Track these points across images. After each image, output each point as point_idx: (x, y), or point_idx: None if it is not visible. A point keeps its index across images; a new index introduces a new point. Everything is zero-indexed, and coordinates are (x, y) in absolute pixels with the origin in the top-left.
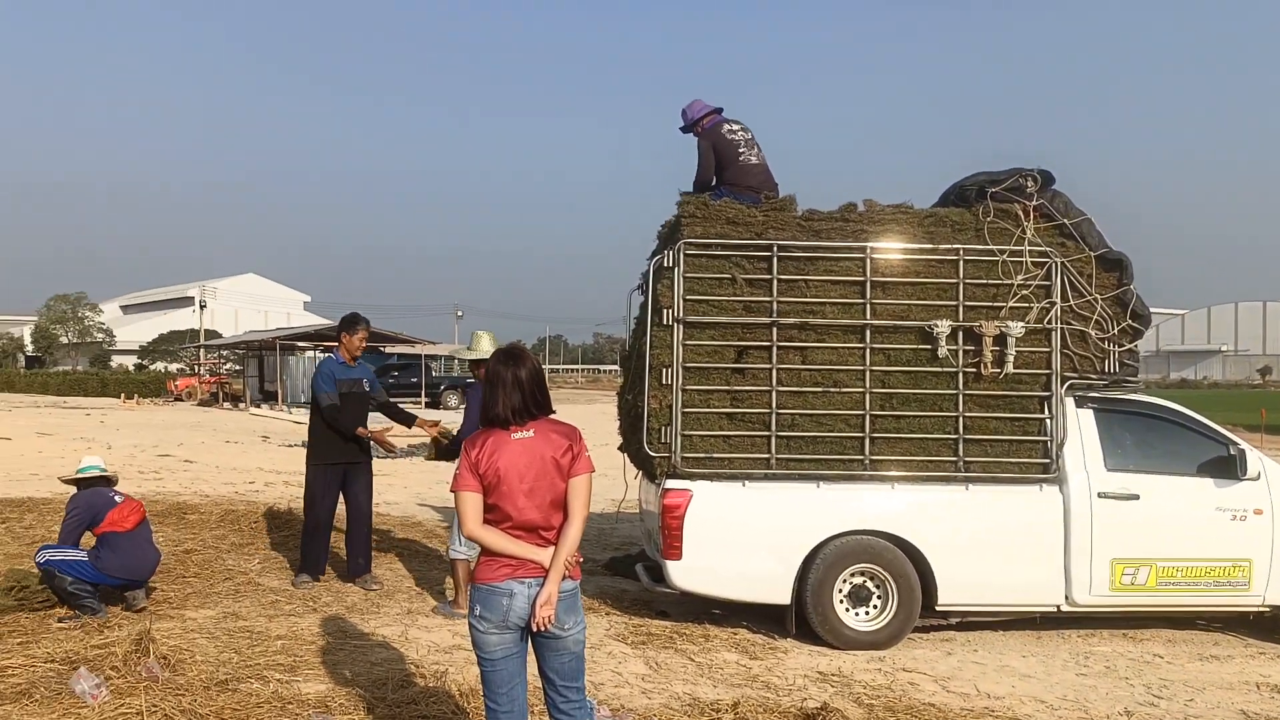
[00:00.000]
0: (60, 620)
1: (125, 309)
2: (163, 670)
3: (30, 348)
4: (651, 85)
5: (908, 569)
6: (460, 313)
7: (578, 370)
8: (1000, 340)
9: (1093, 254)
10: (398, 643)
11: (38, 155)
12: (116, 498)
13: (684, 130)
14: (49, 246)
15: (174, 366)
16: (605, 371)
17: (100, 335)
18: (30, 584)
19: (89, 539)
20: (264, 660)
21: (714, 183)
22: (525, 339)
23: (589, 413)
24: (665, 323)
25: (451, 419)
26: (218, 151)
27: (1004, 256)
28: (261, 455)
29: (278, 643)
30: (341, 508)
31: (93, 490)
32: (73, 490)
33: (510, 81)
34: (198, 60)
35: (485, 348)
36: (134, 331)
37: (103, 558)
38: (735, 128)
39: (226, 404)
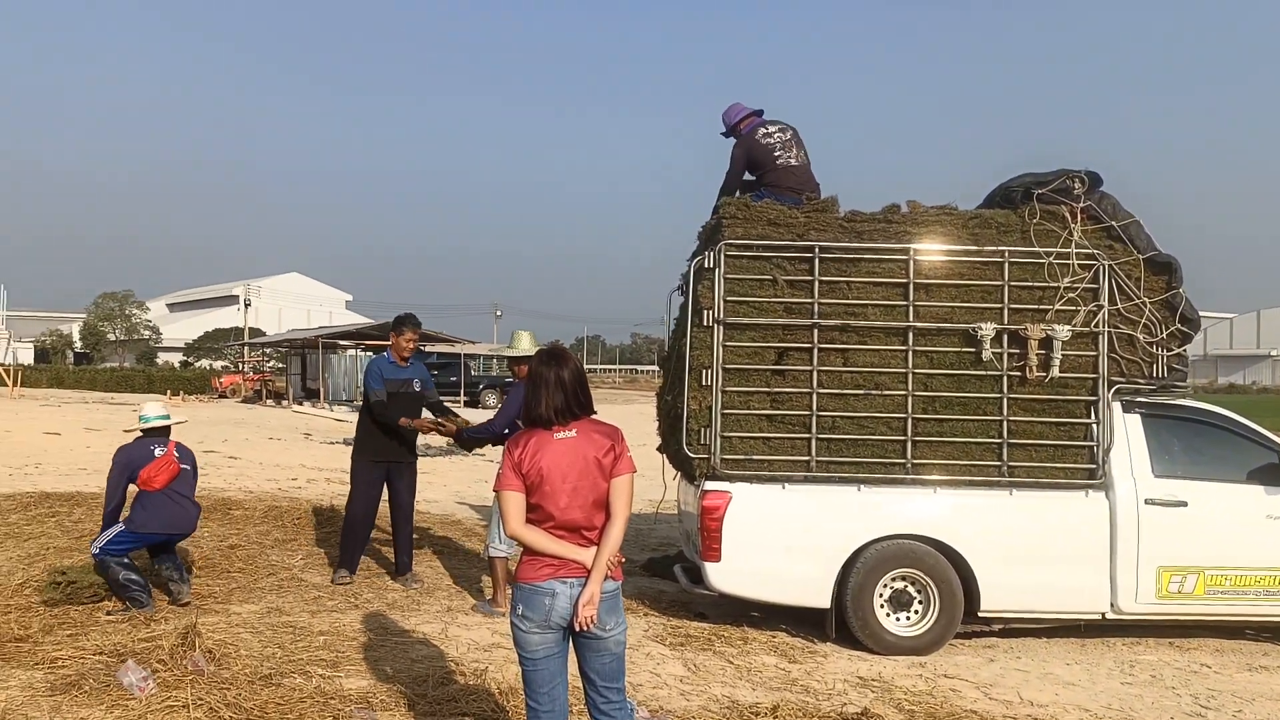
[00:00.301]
0: (109, 613)
1: (171, 307)
2: (208, 664)
3: (79, 344)
4: (688, 87)
5: (950, 574)
6: (499, 312)
7: (615, 370)
8: (1046, 344)
9: (1141, 256)
10: (438, 640)
11: (83, 156)
12: (157, 450)
13: (725, 135)
14: (97, 246)
15: (219, 364)
16: (643, 372)
17: (147, 332)
18: (79, 578)
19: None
20: (307, 655)
21: (753, 185)
22: (563, 339)
23: (627, 413)
24: (705, 324)
25: (490, 417)
26: (263, 153)
27: (1050, 259)
28: (304, 452)
29: (320, 638)
30: (384, 506)
31: (136, 442)
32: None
33: (553, 83)
34: (254, 62)
35: (525, 346)
36: (180, 329)
37: (136, 517)
38: (773, 130)
39: (270, 401)
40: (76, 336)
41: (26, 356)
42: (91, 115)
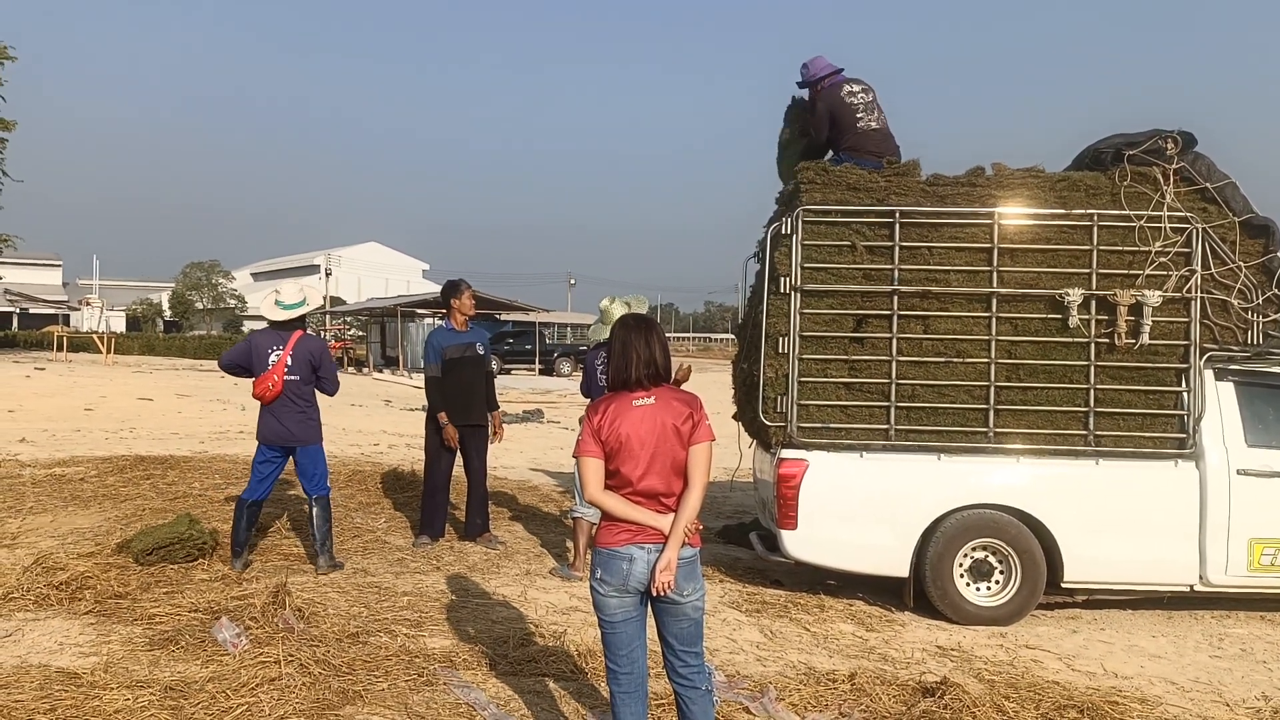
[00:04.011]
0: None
1: (256, 276)
2: (298, 622)
3: (168, 313)
4: (762, 54)
5: (1032, 544)
6: (573, 280)
7: (689, 339)
8: (1136, 310)
9: (1237, 219)
10: (517, 602)
11: (175, 131)
12: (271, 357)
13: (801, 86)
14: (185, 217)
15: None
16: (716, 340)
17: (233, 301)
18: (171, 540)
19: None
20: (391, 615)
21: (831, 149)
22: None
23: (701, 381)
24: (783, 291)
25: (564, 385)
26: (343, 125)
27: (1141, 222)
28: (385, 418)
29: (404, 599)
30: (459, 470)
31: (264, 332)
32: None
33: (625, 58)
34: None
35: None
36: (263, 298)
37: (259, 427)
38: (855, 89)
39: (350, 368)
40: (165, 305)
41: (118, 324)
42: (182, 91)
